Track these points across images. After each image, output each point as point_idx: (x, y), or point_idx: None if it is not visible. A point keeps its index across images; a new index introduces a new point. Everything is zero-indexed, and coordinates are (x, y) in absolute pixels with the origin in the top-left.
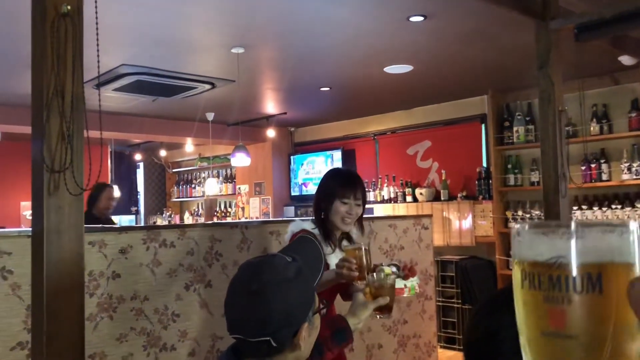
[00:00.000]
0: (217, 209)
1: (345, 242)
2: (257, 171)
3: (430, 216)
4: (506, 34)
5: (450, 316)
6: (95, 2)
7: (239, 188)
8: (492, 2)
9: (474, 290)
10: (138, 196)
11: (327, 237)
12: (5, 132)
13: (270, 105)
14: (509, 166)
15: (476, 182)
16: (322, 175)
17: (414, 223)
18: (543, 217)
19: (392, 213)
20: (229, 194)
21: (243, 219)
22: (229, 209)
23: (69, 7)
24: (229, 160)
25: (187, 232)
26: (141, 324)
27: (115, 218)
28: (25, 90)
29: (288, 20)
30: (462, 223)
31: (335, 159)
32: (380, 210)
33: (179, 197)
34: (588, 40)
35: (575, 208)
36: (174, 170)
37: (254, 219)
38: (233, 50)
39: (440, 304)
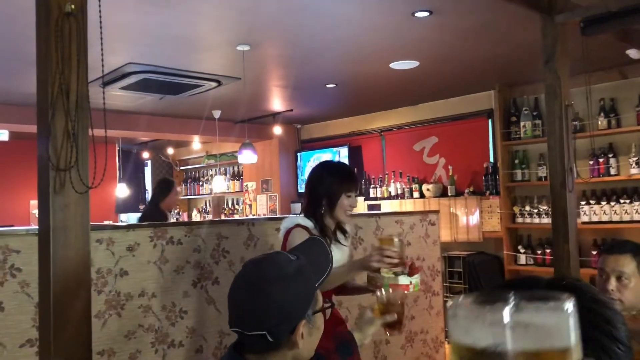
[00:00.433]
0: (225, 206)
1: (339, 235)
2: (264, 168)
3: (437, 212)
4: (512, 28)
5: None
6: (99, 1)
7: (246, 185)
8: None
9: (481, 286)
10: (146, 194)
11: (322, 231)
12: (14, 132)
13: (277, 103)
14: (516, 161)
15: (483, 178)
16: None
17: (421, 219)
18: (550, 212)
19: (399, 209)
20: (237, 191)
21: (250, 216)
22: (237, 206)
23: (72, 6)
24: (236, 157)
25: (194, 230)
26: (149, 321)
27: (123, 216)
28: (33, 89)
29: (293, 17)
30: (470, 219)
31: (341, 156)
32: (387, 206)
33: (186, 195)
34: (594, 34)
35: (583, 203)
36: (181, 168)
37: (262, 216)
38: (239, 48)
39: (447, 299)
